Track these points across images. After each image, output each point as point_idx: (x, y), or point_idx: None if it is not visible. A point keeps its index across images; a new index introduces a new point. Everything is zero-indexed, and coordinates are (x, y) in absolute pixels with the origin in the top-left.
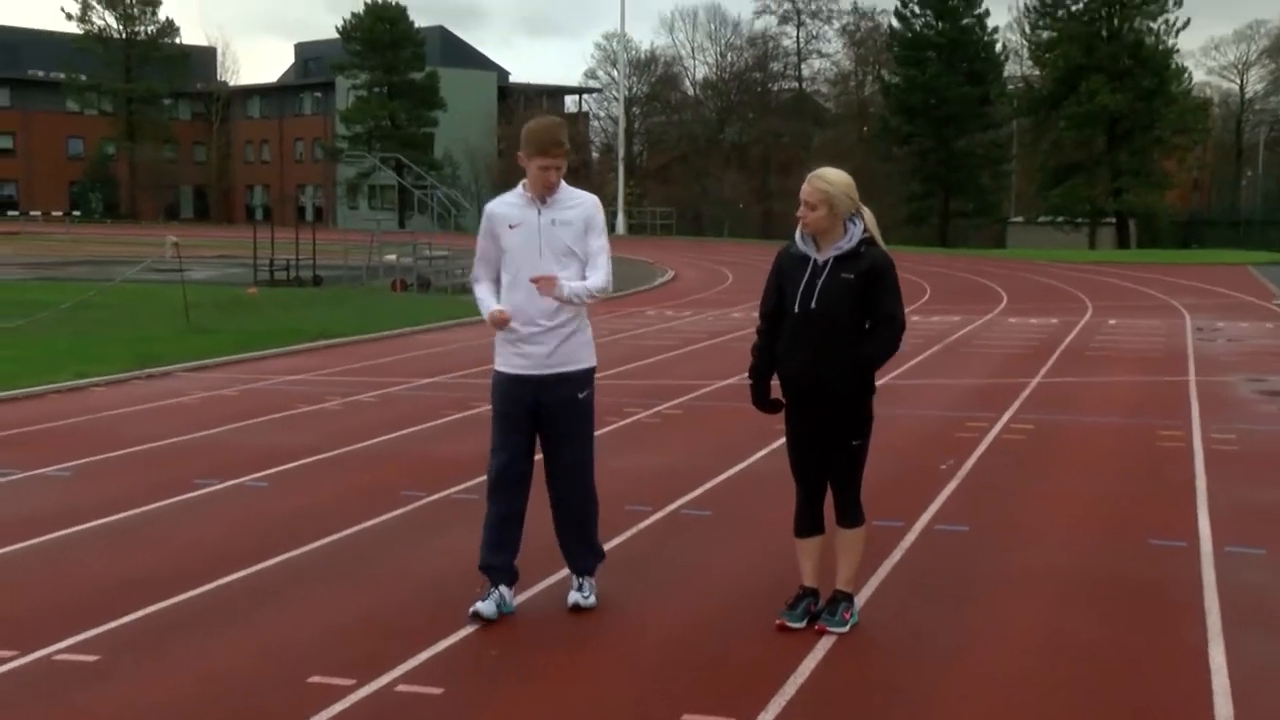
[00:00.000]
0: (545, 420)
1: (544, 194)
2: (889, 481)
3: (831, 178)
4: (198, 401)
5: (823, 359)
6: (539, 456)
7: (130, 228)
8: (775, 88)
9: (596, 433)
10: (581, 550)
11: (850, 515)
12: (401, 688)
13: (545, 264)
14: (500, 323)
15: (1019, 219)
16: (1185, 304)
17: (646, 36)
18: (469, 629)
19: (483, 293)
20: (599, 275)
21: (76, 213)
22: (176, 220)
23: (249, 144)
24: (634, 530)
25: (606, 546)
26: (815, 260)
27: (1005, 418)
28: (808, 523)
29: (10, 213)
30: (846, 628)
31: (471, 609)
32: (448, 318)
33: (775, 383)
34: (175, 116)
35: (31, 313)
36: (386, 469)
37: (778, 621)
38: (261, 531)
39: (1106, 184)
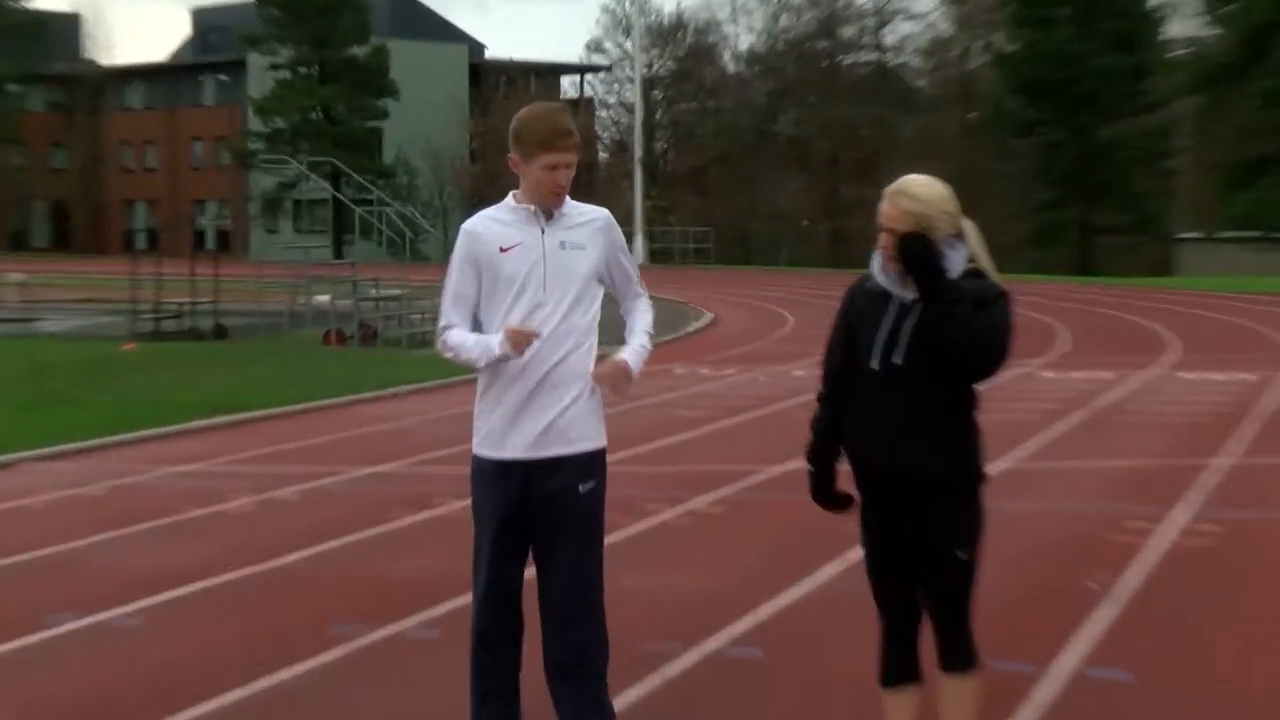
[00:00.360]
0: (537, 523)
1: (549, 203)
2: (1014, 607)
3: (921, 191)
4: (48, 504)
5: (912, 434)
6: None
7: None
8: (848, 61)
9: (606, 541)
10: (580, 709)
11: (957, 657)
12: None
13: (552, 300)
14: (523, 340)
15: (1192, 235)
16: None
17: None
18: None
19: (461, 337)
20: (646, 317)
21: None
22: (25, 250)
23: (127, 145)
24: (657, 678)
25: (619, 702)
26: (901, 299)
27: (1181, 516)
28: (897, 667)
29: None
30: None
31: None
32: (402, 381)
33: (844, 468)
34: (24, 108)
35: None
36: (312, 596)
37: None
38: (131, 689)
39: None
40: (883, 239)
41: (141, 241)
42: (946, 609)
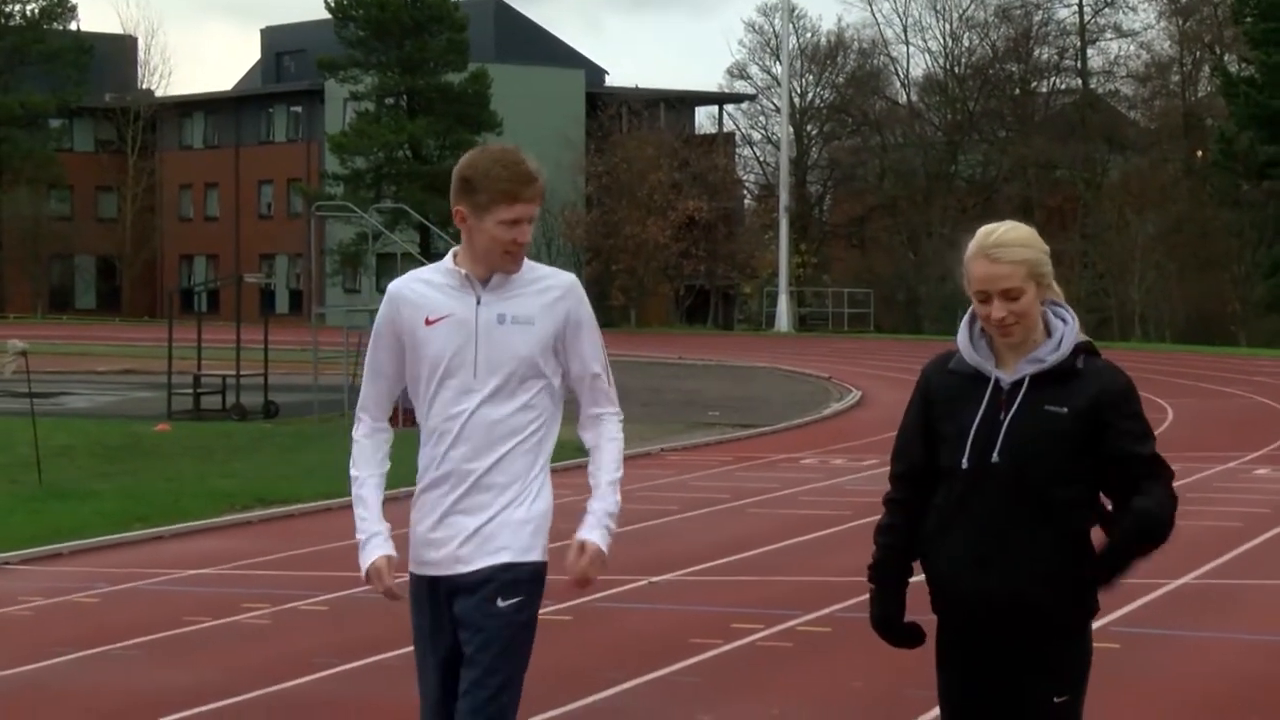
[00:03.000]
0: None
1: (501, 266)
2: None
3: (1020, 236)
4: (33, 614)
5: (1014, 551)
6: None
7: None
8: (1045, 88)
9: (680, 664)
10: None
11: None
12: None
13: (480, 386)
14: (383, 590)
15: None
16: None
17: (829, 8)
18: None
19: (363, 461)
20: (611, 450)
21: None
22: (69, 311)
23: (186, 189)
24: None
25: None
26: (999, 380)
27: None
28: None
29: None
30: None
31: None
32: None
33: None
34: (67, 147)
35: None
36: None
37: None
38: None
39: None
40: (994, 309)
41: (203, 304)
42: None
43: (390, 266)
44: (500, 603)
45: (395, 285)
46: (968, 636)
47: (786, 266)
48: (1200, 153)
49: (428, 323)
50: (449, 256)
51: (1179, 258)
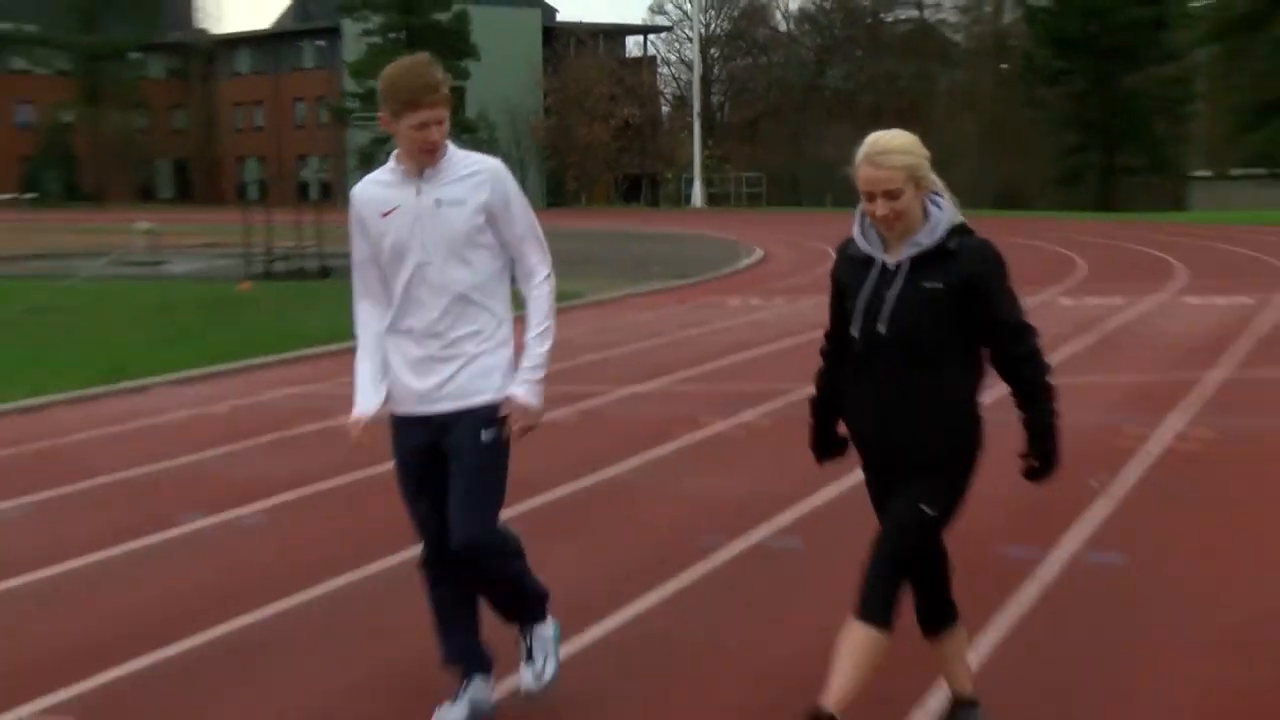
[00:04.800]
0: (447, 468)
1: (423, 162)
2: (1022, 504)
3: (903, 143)
4: (179, 422)
5: (900, 404)
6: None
7: (95, 212)
8: (890, 18)
9: (665, 449)
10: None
11: (872, 607)
12: None
13: (436, 261)
14: (360, 438)
15: (1205, 174)
16: None
17: None
18: None
19: (361, 333)
20: (542, 308)
21: (30, 195)
22: (152, 202)
23: (238, 107)
24: (706, 565)
25: (675, 582)
26: (884, 263)
27: (1177, 424)
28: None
29: None
30: None
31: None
32: None
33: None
34: (146, 75)
35: None
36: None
37: None
38: (254, 578)
39: None
40: (877, 207)
41: (253, 193)
42: (889, 553)
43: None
44: (483, 435)
45: (355, 190)
46: (875, 471)
47: (699, 158)
48: (1006, 66)
49: (382, 215)
50: (392, 156)
51: (994, 146)
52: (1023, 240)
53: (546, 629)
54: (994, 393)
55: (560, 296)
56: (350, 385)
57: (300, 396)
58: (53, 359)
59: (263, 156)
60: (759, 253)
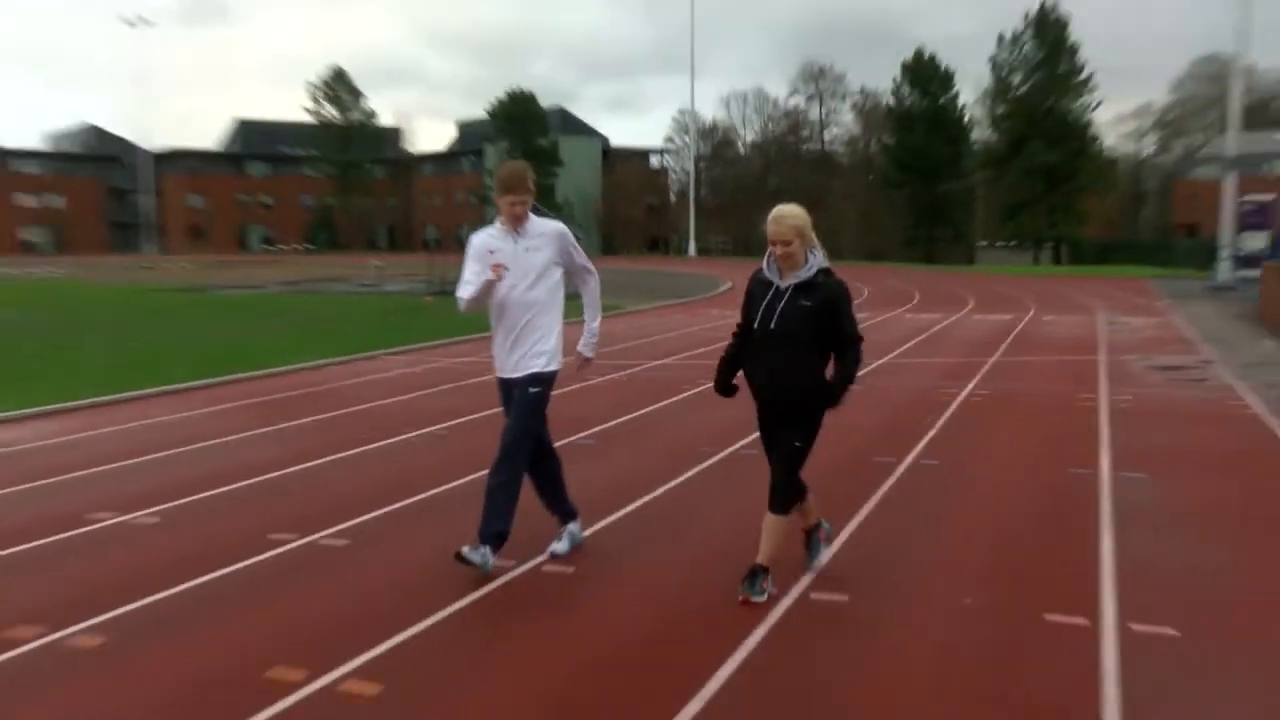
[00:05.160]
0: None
1: (515, 225)
2: (885, 430)
3: (794, 211)
4: (395, 377)
5: (781, 371)
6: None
7: (344, 256)
8: (804, 148)
9: (675, 398)
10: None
11: (777, 504)
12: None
13: (523, 282)
14: (496, 270)
15: (984, 243)
16: (1100, 305)
17: (709, 110)
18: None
19: (467, 287)
20: (594, 296)
21: (309, 245)
22: (375, 250)
23: (425, 194)
24: (704, 464)
25: (681, 475)
26: (778, 286)
27: (970, 386)
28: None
29: (268, 247)
30: (764, 596)
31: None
32: (570, 317)
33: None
34: (374, 176)
35: (287, 315)
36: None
37: (741, 597)
38: (445, 467)
39: (1045, 218)
40: (778, 250)
41: (432, 245)
42: (780, 471)
43: None
44: (531, 390)
45: (475, 236)
46: (764, 410)
47: (693, 227)
48: (872, 177)
49: (491, 253)
50: (497, 221)
51: (863, 225)
52: (882, 280)
53: (575, 526)
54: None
55: (609, 308)
56: (487, 356)
57: (461, 363)
58: (325, 339)
59: (438, 223)
60: (729, 283)
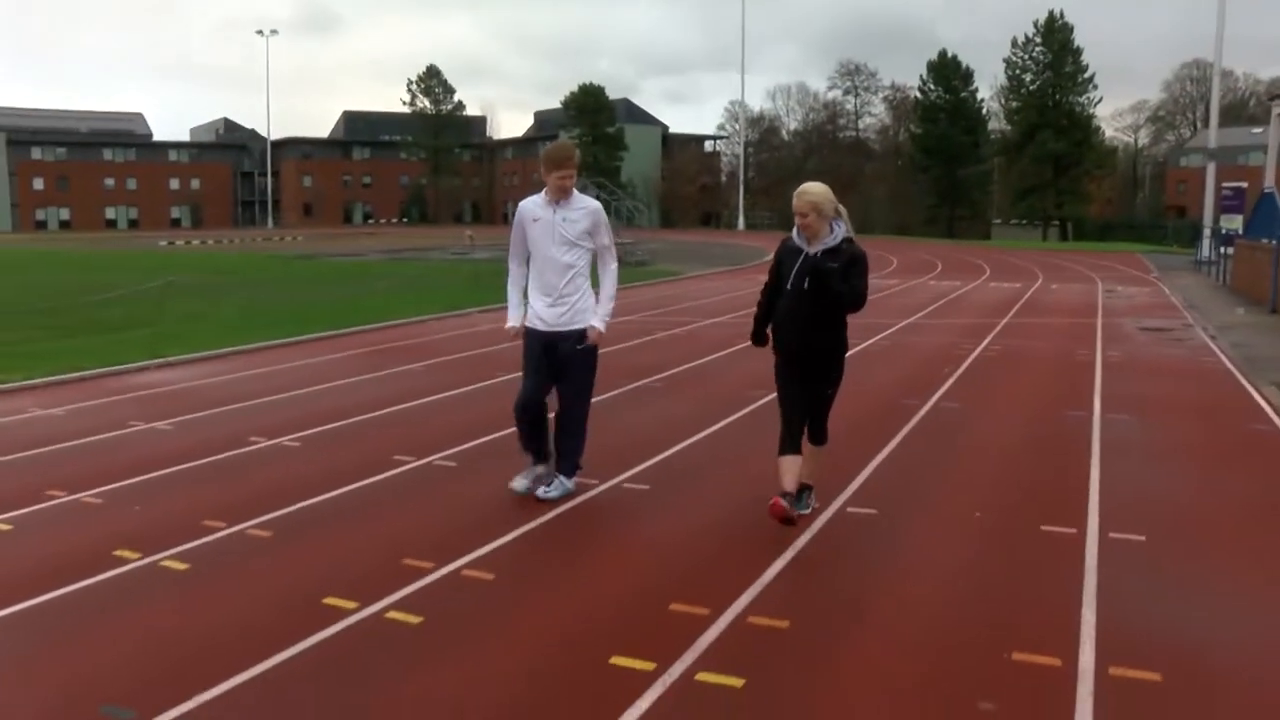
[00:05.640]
0: (556, 363)
1: (559, 198)
2: (911, 378)
3: (815, 189)
4: (484, 331)
5: (810, 329)
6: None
7: (433, 229)
8: (841, 135)
9: (728, 350)
10: (564, 455)
11: (819, 438)
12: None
13: (555, 249)
14: (514, 336)
15: (998, 221)
16: (1100, 276)
17: (757, 102)
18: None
19: (512, 282)
20: (611, 281)
21: (405, 219)
22: (462, 223)
23: (506, 175)
24: (752, 407)
25: (730, 418)
26: (807, 252)
27: (985, 342)
28: (790, 444)
29: (369, 221)
30: (809, 509)
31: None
32: (637, 280)
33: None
34: (462, 159)
35: (391, 278)
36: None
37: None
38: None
39: (1053, 199)
40: (800, 220)
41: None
42: (820, 414)
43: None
44: (576, 349)
45: (522, 204)
46: (790, 364)
47: (742, 203)
48: (900, 161)
49: (534, 220)
50: (542, 193)
51: (893, 204)
52: (908, 252)
53: (568, 482)
54: (889, 330)
55: (667, 274)
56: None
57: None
58: (423, 298)
59: (517, 200)
60: (772, 253)
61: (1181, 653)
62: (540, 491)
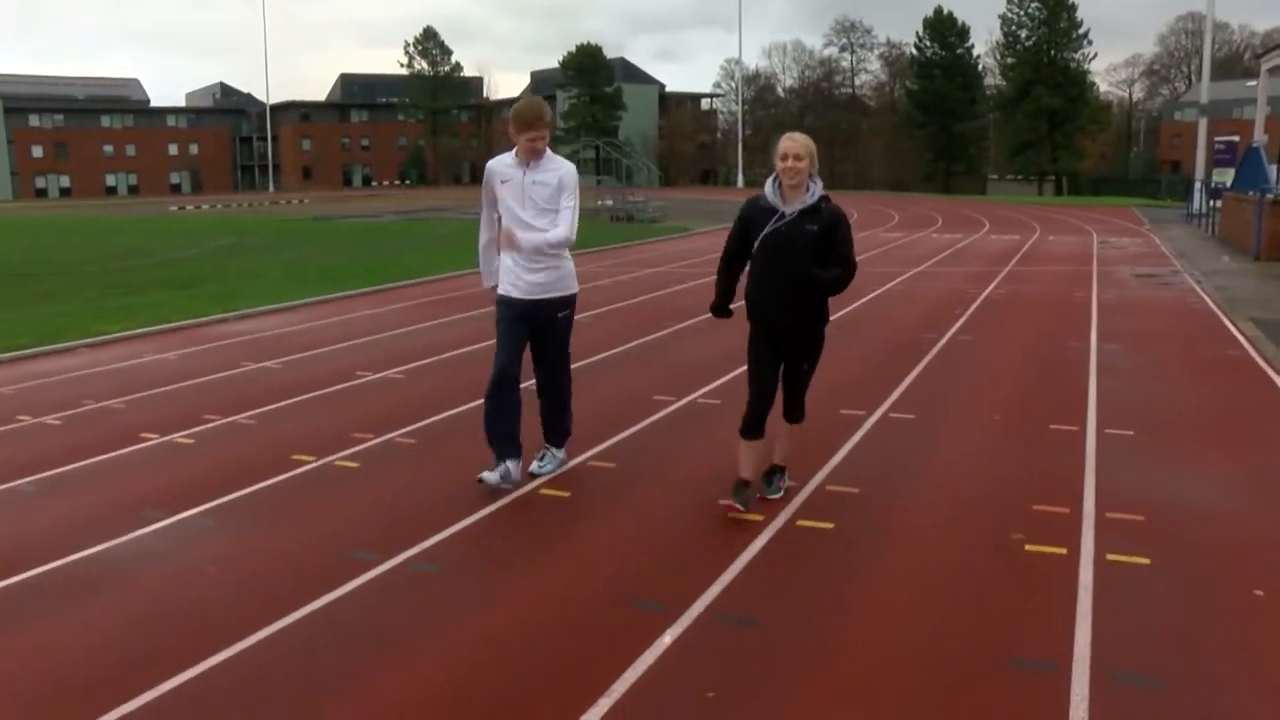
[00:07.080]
0: (537, 332)
1: (530, 160)
2: (928, 315)
3: (805, 137)
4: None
5: (789, 297)
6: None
7: (433, 190)
8: (837, 92)
9: (682, 325)
10: (552, 427)
11: (795, 416)
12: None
13: (527, 213)
14: (506, 239)
15: (994, 176)
16: (1095, 229)
17: (752, 60)
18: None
19: (484, 247)
20: (559, 230)
21: (404, 181)
22: (460, 184)
23: (503, 136)
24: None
25: (730, 373)
26: (783, 212)
27: (990, 287)
28: (755, 427)
29: (370, 184)
30: (780, 493)
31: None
32: (649, 237)
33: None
34: (460, 120)
35: (414, 238)
36: (607, 326)
37: (724, 502)
38: (576, 349)
39: (1048, 154)
40: (790, 163)
41: None
42: (796, 391)
43: (584, 165)
44: (559, 315)
45: (490, 163)
46: (765, 334)
47: (741, 160)
48: (896, 118)
49: (502, 182)
50: (512, 152)
51: (886, 160)
52: (908, 207)
53: (560, 452)
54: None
55: (677, 230)
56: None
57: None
58: (436, 255)
59: None
60: None
61: (1159, 503)
62: (534, 466)
